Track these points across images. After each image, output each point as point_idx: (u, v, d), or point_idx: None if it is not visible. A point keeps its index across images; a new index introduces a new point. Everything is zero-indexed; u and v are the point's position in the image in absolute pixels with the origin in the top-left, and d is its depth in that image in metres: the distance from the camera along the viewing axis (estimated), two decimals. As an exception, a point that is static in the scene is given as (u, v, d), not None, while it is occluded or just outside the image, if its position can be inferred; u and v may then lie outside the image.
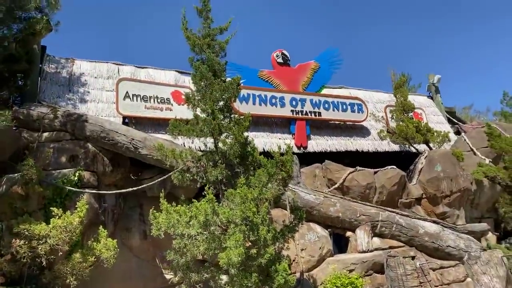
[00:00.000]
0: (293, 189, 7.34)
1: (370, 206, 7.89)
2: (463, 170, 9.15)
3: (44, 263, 5.36)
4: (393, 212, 7.92)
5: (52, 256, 5.36)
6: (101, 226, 6.32)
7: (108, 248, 5.78)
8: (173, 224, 5.37)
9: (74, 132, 6.98)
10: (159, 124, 8.80)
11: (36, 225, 5.23)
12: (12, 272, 5.32)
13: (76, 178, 6.36)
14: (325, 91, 11.22)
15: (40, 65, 8.44)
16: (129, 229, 7.67)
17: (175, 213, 5.46)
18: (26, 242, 5.16)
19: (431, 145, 10.76)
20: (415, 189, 8.88)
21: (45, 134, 6.87)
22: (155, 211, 5.71)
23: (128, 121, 8.48)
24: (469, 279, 7.50)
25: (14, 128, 6.74)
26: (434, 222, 8.06)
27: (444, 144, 11.08)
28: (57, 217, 5.45)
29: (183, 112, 7.54)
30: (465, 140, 11.13)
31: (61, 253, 5.40)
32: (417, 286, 6.41)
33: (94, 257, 5.67)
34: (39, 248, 5.16)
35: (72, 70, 8.95)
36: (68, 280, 5.45)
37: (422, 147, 10.91)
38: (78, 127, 6.95)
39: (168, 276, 8.00)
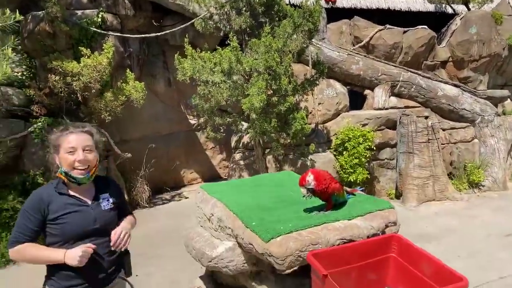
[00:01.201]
0: (317, 45, 7.20)
1: (393, 66, 7.80)
2: (499, 34, 8.62)
3: (79, 98, 5.81)
4: (415, 73, 7.85)
5: (86, 93, 5.76)
6: (128, 70, 6.57)
7: (136, 89, 6.11)
8: (198, 69, 5.52)
9: (91, -30, 6.62)
10: (178, -34, 8.18)
11: (68, 63, 5.47)
12: (51, 105, 5.81)
13: (99, 19, 6.30)
14: None
15: None
16: (154, 75, 7.96)
17: (200, 59, 5.57)
18: (61, 78, 5.49)
19: (470, 5, 9.93)
20: (443, 51, 8.57)
21: (62, -30, 6.55)
22: (179, 56, 5.83)
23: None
24: (475, 140, 7.88)
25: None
26: (454, 85, 8.04)
27: (484, 6, 10.20)
28: (86, 56, 5.65)
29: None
30: (508, 3, 10.15)
31: (94, 91, 5.77)
32: (425, 142, 6.81)
33: (124, 96, 6.06)
34: (74, 85, 5.51)
35: None
36: (102, 115, 5.96)
37: (460, 8, 10.09)
38: (95, -36, 6.56)
39: (192, 121, 8.65)
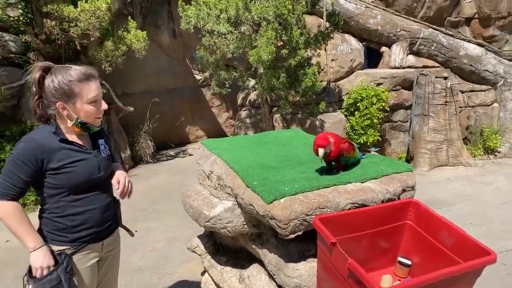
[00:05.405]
0: (333, -5, 6.67)
1: (413, 21, 7.26)
2: (532, -11, 7.93)
3: (78, 47, 5.48)
4: (437, 30, 7.32)
5: (85, 41, 5.44)
6: (129, 18, 6.18)
7: (138, 39, 5.76)
8: (202, 17, 5.13)
9: None
10: None
11: (64, 7, 5.10)
12: (49, 53, 5.52)
13: (98, -40, 5.83)
14: None
15: None
16: (158, 26, 7.55)
17: (204, 6, 5.16)
18: (58, 24, 5.15)
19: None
20: (468, 7, 7.94)
21: None
22: (183, 3, 5.42)
23: None
24: (495, 105, 7.48)
25: None
26: (478, 44, 7.51)
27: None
28: (83, 0, 5.26)
29: None
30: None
31: (93, 39, 5.45)
32: (441, 104, 6.44)
33: (125, 46, 5.72)
34: (71, 31, 5.18)
35: None
36: (103, 66, 5.67)
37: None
38: None
39: (198, 77, 8.31)
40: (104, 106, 1.74)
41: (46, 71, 1.64)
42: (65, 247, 1.71)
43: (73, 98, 1.62)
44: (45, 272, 1.63)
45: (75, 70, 1.64)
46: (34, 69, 1.65)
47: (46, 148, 1.61)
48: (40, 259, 1.62)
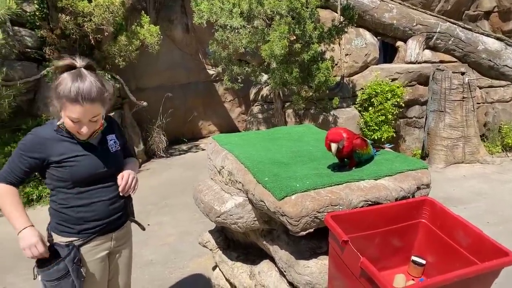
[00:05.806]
0: (348, -12, 6.56)
1: (430, 15, 7.09)
2: (555, -19, 7.67)
3: (92, 41, 5.52)
4: (454, 24, 7.14)
5: (99, 35, 5.47)
6: (143, 13, 6.20)
7: (151, 33, 5.77)
8: (215, 11, 5.10)
9: None
10: None
11: (78, 2, 5.14)
12: (65, 48, 5.58)
13: (112, -45, 5.84)
14: None
15: None
16: (171, 20, 7.55)
17: (217, 0, 5.13)
18: (72, 18, 5.20)
19: None
20: (488, 0, 7.73)
21: None
22: (196, -3, 5.40)
23: None
24: (515, 100, 7.31)
25: None
26: (498, 39, 7.30)
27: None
28: (98, -5, 5.29)
29: None
30: None
31: (106, 33, 5.48)
32: (458, 100, 6.29)
33: (138, 41, 5.75)
34: (85, 26, 5.22)
35: None
36: (116, 60, 5.70)
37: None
38: None
39: (211, 72, 8.30)
40: (85, 131, 1.66)
41: (69, 67, 1.63)
42: (73, 239, 1.74)
43: (60, 105, 1.62)
44: (33, 251, 1.62)
45: (76, 86, 1.58)
46: (62, 60, 1.65)
47: (49, 142, 1.66)
48: (26, 238, 1.62)
